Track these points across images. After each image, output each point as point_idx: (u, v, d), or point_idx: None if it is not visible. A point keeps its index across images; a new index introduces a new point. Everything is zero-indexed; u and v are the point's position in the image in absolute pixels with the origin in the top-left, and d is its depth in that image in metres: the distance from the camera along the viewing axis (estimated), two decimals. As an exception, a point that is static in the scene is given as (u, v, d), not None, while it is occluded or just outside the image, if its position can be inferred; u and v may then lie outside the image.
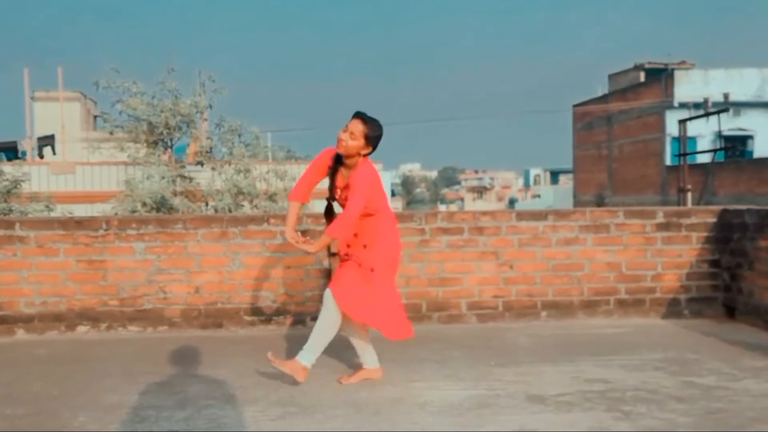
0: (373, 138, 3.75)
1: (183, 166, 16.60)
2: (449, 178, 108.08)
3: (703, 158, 25.71)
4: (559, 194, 47.38)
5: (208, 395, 3.67)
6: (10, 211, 15.44)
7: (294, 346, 4.78)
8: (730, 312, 5.56)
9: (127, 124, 16.19)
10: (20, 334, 5.18)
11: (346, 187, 3.80)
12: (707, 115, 23.16)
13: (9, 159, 23.45)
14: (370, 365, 3.95)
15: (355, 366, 4.01)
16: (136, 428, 3.21)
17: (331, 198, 3.91)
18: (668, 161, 27.91)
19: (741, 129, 28.01)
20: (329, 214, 3.95)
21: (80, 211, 16.28)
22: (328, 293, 3.76)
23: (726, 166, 25.26)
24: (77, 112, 30.68)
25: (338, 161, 3.83)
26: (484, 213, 5.61)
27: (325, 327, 3.76)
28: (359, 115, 3.75)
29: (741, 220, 5.43)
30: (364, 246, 3.81)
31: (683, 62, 31.56)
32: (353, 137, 3.71)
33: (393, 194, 52.06)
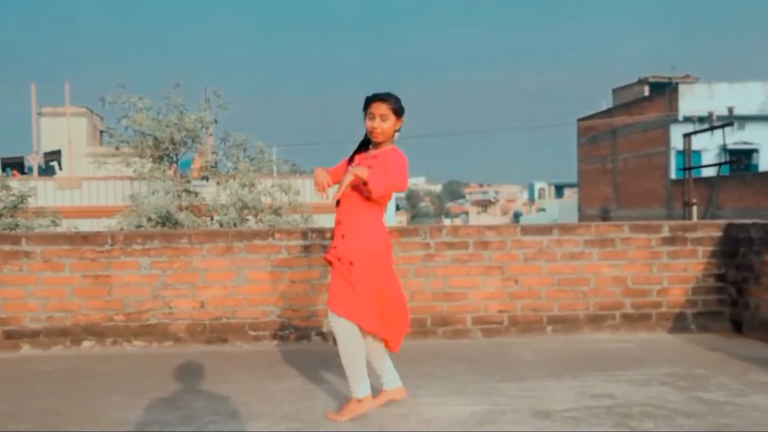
0: (400, 109, 3.61)
1: (188, 181, 16.67)
2: (454, 191, 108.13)
3: (708, 172, 25.68)
4: (563, 208, 47.34)
5: (212, 411, 3.66)
6: (17, 226, 15.51)
7: (299, 361, 4.78)
8: (737, 327, 5.52)
9: (133, 139, 16.30)
10: (26, 349, 5.19)
11: (370, 158, 3.57)
12: (712, 128, 23.15)
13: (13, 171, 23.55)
14: (390, 385, 3.71)
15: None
16: (140, 444, 3.20)
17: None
18: (673, 175, 27.88)
19: (746, 142, 27.99)
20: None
21: (86, 225, 16.36)
22: (329, 313, 3.53)
23: (731, 180, 25.22)
24: (84, 127, 30.87)
25: (357, 151, 3.70)
26: (489, 227, 5.61)
27: (347, 350, 3.49)
28: (377, 98, 3.57)
29: (747, 235, 5.42)
30: (342, 236, 3.54)
31: (687, 76, 31.61)
32: (384, 118, 3.56)
33: (398, 208, 52.07)
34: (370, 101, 3.61)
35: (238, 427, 3.41)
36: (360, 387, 3.55)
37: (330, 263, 3.58)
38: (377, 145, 3.66)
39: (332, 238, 3.67)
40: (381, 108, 3.58)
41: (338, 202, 3.59)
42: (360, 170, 3.38)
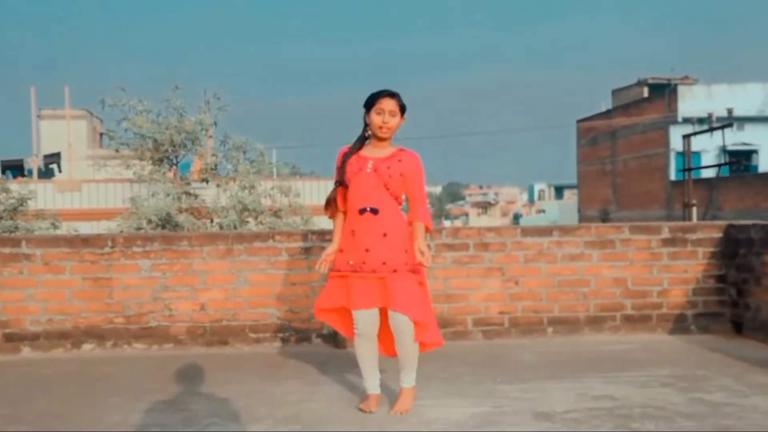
0: (404, 106, 3.62)
1: (188, 183, 16.69)
2: (453, 193, 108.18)
3: (708, 173, 25.69)
4: (563, 209, 47.42)
5: (213, 413, 3.65)
6: (16, 228, 15.52)
7: (299, 363, 4.77)
8: (738, 328, 5.52)
9: (133, 142, 16.32)
10: (26, 351, 5.18)
11: (390, 158, 3.58)
12: (711, 130, 23.19)
13: (15, 177, 23.58)
14: (377, 390, 3.73)
15: (361, 390, 3.96)
16: (141, 447, 3.20)
17: (342, 179, 3.62)
18: (673, 176, 27.91)
19: (745, 143, 28.02)
20: (330, 202, 3.71)
21: (86, 228, 16.36)
22: (403, 320, 3.47)
23: (731, 181, 25.24)
24: (84, 129, 30.92)
25: (356, 146, 3.65)
26: (489, 229, 5.61)
27: (416, 346, 3.57)
28: (386, 93, 3.56)
29: (747, 236, 5.41)
30: (405, 251, 3.55)
31: (686, 77, 31.65)
32: (393, 114, 3.55)
33: (397, 210, 51.98)
34: (378, 97, 3.57)
35: (239, 430, 3.41)
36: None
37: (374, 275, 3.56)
38: (381, 141, 3.62)
39: (368, 250, 3.52)
40: (390, 104, 3.56)
41: (377, 211, 3.54)
42: (421, 229, 3.56)
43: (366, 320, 3.61)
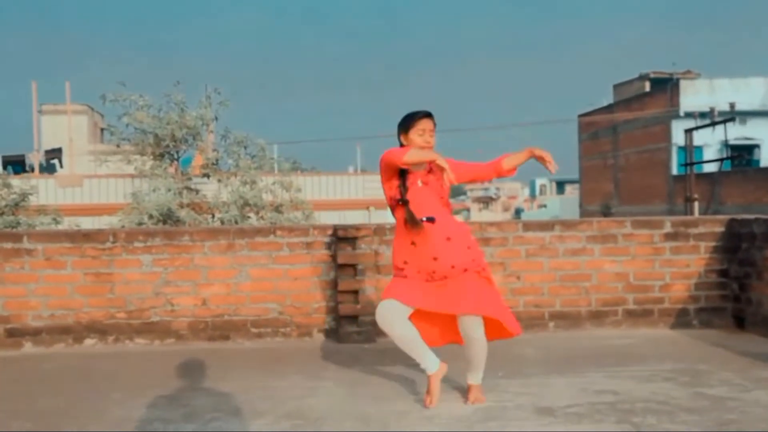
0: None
1: (189, 179, 16.65)
2: (455, 188, 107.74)
3: (710, 167, 25.66)
4: (565, 204, 47.43)
5: (215, 408, 3.65)
6: (18, 224, 15.52)
7: (301, 358, 4.77)
8: (740, 322, 5.52)
9: (134, 137, 16.28)
10: (28, 347, 5.19)
11: (430, 172, 3.61)
12: (713, 124, 23.15)
13: (17, 172, 23.57)
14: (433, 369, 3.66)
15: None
16: (143, 442, 3.20)
17: (404, 197, 3.58)
18: (674, 171, 27.88)
19: (747, 138, 28.00)
20: (413, 220, 3.57)
21: (87, 223, 16.37)
22: (473, 321, 3.54)
23: (733, 176, 25.21)
24: (84, 125, 30.90)
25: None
26: (491, 224, 5.60)
27: (485, 345, 3.65)
28: (425, 114, 3.61)
29: (749, 230, 5.40)
30: (468, 248, 3.59)
31: (688, 72, 31.57)
32: (432, 134, 3.63)
33: (399, 205, 51.97)
34: (418, 117, 3.60)
35: (241, 425, 3.41)
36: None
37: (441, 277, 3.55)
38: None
39: (436, 258, 3.51)
40: (429, 124, 3.64)
41: (433, 219, 3.54)
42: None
43: (391, 309, 3.56)
